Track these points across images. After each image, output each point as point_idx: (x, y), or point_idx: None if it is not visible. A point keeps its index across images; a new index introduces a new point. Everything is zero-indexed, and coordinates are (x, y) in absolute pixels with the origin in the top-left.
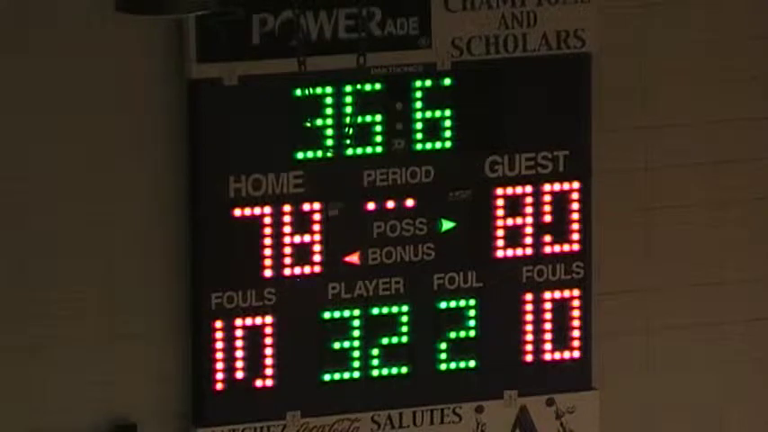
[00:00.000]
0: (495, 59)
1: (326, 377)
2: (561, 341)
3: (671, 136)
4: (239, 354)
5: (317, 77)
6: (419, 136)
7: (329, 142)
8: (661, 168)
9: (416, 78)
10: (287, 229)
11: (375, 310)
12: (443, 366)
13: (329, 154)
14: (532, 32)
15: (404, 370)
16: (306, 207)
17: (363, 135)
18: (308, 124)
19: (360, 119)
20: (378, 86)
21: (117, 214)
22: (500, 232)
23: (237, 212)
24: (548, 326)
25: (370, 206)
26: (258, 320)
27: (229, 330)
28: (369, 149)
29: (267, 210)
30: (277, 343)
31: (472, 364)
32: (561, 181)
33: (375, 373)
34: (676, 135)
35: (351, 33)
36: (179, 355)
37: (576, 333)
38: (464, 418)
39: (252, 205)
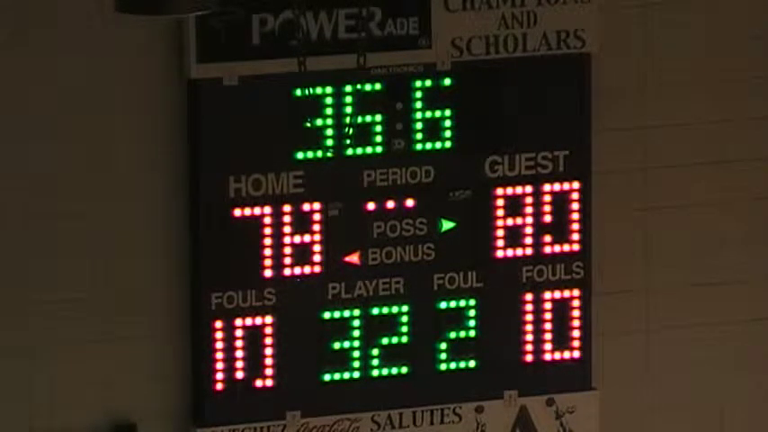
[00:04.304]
0: (495, 59)
1: (326, 377)
2: (561, 341)
3: (671, 136)
4: (239, 354)
5: (317, 77)
6: (419, 136)
7: (329, 142)
8: (661, 168)
9: (416, 78)
10: (287, 229)
11: (375, 310)
12: (443, 366)
13: (329, 154)
14: (532, 32)
15: (404, 370)
16: (306, 207)
17: (363, 135)
18: (308, 124)
19: (360, 119)
20: (378, 86)
21: (117, 214)
22: (500, 232)
23: (237, 212)
24: (548, 326)
25: (370, 206)
26: (258, 320)
27: (229, 330)
28: (369, 149)
29: (267, 210)
30: (277, 343)
31: (472, 364)
32: (561, 181)
33: (375, 373)
34: (676, 135)
35: (351, 33)
36: (179, 355)
37: (576, 333)
38: (464, 418)
39: (252, 205)
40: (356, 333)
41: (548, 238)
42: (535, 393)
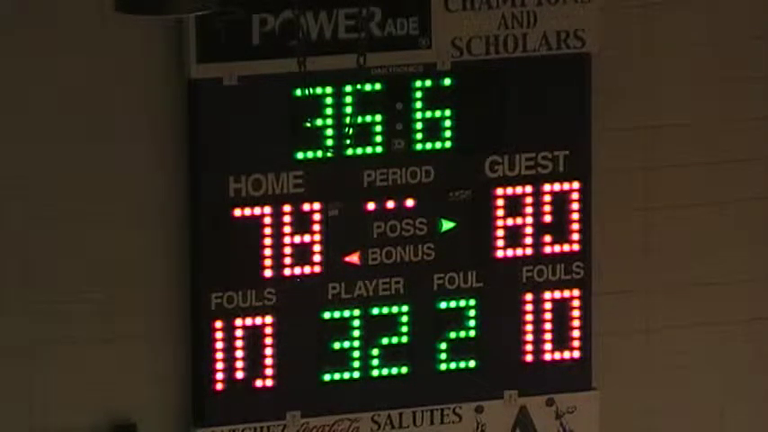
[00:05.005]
0: (495, 59)
1: (326, 377)
2: (561, 341)
3: (671, 136)
4: (239, 354)
5: (317, 77)
6: (419, 136)
7: (329, 142)
8: (661, 168)
9: (416, 78)
10: (287, 229)
11: (375, 310)
12: (443, 366)
13: (329, 154)
14: (532, 32)
15: (404, 370)
16: (306, 207)
17: (363, 135)
18: (308, 124)
19: (360, 119)
20: (378, 86)
21: (117, 214)
22: (500, 232)
23: (237, 212)
24: (548, 326)
25: (370, 206)
26: (258, 320)
27: (229, 330)
28: (369, 149)
29: (267, 210)
30: (277, 343)
31: (472, 364)
32: (561, 181)
33: (375, 373)
34: (676, 135)
35: (351, 33)
36: (179, 355)
37: (576, 333)
38: (464, 418)
39: (252, 205)
40: (356, 333)
41: (548, 238)
42: (535, 393)
